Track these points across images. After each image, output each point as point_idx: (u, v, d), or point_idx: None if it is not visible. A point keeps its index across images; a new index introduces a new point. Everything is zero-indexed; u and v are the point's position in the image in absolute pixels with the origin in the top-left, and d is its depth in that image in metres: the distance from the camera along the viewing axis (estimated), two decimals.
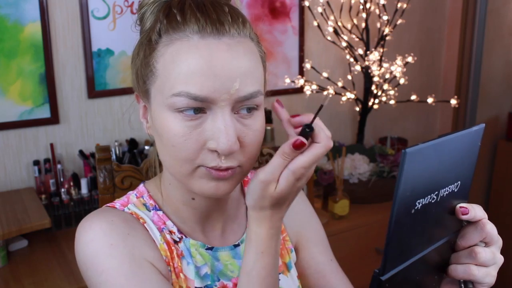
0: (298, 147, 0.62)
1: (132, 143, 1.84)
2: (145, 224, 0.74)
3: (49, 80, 1.78)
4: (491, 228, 0.64)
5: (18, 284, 1.44)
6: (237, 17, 0.67)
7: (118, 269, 0.67)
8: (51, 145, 1.80)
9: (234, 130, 0.64)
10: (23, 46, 1.72)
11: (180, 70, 0.63)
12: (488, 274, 0.64)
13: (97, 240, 0.68)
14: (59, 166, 1.78)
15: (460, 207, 0.63)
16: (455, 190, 0.62)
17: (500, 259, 0.65)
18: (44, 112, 1.79)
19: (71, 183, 1.77)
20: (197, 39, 0.64)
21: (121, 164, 1.12)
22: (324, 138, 0.63)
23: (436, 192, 0.58)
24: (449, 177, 0.60)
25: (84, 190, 1.76)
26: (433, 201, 0.58)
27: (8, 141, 1.76)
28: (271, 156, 1.21)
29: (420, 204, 0.56)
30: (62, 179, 1.77)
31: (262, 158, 1.15)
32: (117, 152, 1.83)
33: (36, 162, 1.76)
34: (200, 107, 0.64)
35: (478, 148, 0.64)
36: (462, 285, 0.66)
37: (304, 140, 0.62)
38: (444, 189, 0.60)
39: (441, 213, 0.61)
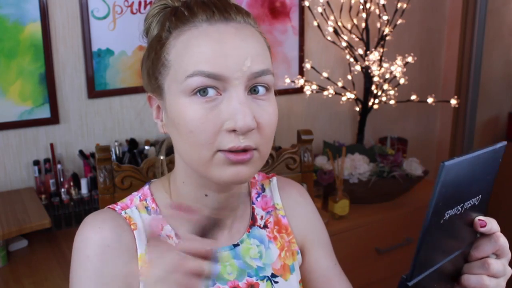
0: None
1: (132, 143, 1.84)
2: (135, 231, 0.74)
3: (49, 80, 1.78)
4: (504, 241, 0.66)
5: (18, 284, 1.44)
6: (241, 9, 0.71)
7: (82, 283, 0.71)
8: (51, 145, 1.80)
9: (249, 107, 0.65)
10: (23, 46, 1.72)
11: (192, 54, 0.66)
12: (498, 285, 0.66)
13: (80, 250, 0.72)
14: (59, 166, 1.78)
15: (479, 219, 0.66)
16: (476, 204, 0.65)
17: (509, 271, 0.68)
18: (44, 112, 1.79)
19: (71, 183, 1.77)
20: (206, 25, 0.67)
21: (121, 164, 1.12)
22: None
23: (462, 205, 0.61)
24: (473, 191, 0.63)
25: (84, 190, 1.76)
26: (458, 213, 0.61)
27: (8, 141, 1.76)
28: (271, 156, 1.21)
29: (448, 215, 0.59)
30: (62, 179, 1.77)
31: None
32: (117, 152, 1.83)
33: (36, 162, 1.76)
34: (214, 87, 0.65)
35: (498, 164, 0.67)
36: None
37: None
38: (468, 202, 0.63)
39: (462, 225, 0.64)
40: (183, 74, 0.66)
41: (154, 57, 0.71)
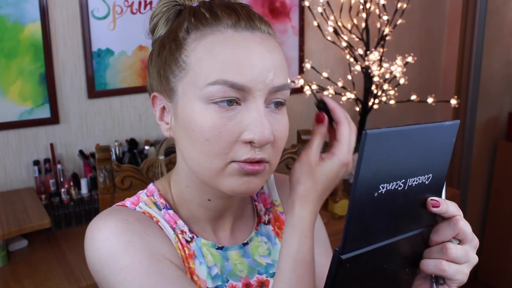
0: (320, 121, 0.69)
1: (132, 143, 1.84)
2: (158, 223, 0.73)
3: (49, 80, 1.78)
4: (464, 225, 0.63)
5: (18, 284, 1.44)
6: (263, 18, 0.70)
7: (137, 267, 0.65)
8: (51, 145, 1.80)
9: (268, 121, 0.65)
10: (23, 46, 1.72)
11: (216, 60, 0.64)
12: (459, 271, 0.63)
13: (112, 238, 0.67)
14: (59, 166, 1.78)
15: (431, 199, 0.63)
16: (426, 183, 0.62)
17: (474, 259, 0.65)
18: (44, 112, 1.79)
19: (71, 183, 1.77)
20: (232, 32, 0.65)
21: (121, 164, 1.13)
22: (341, 116, 0.69)
23: (403, 180, 0.58)
24: (418, 168, 0.60)
25: (84, 190, 1.76)
26: (399, 189, 0.58)
27: (8, 141, 1.76)
28: None
29: (385, 189, 0.56)
30: (62, 179, 1.77)
31: None
32: (117, 152, 1.83)
33: (36, 162, 1.76)
34: (235, 98, 0.64)
35: (452, 144, 0.63)
36: (434, 280, 0.66)
37: (322, 114, 0.70)
38: (413, 179, 0.60)
39: (411, 204, 0.62)
40: (204, 80, 0.63)
41: (168, 56, 0.68)
